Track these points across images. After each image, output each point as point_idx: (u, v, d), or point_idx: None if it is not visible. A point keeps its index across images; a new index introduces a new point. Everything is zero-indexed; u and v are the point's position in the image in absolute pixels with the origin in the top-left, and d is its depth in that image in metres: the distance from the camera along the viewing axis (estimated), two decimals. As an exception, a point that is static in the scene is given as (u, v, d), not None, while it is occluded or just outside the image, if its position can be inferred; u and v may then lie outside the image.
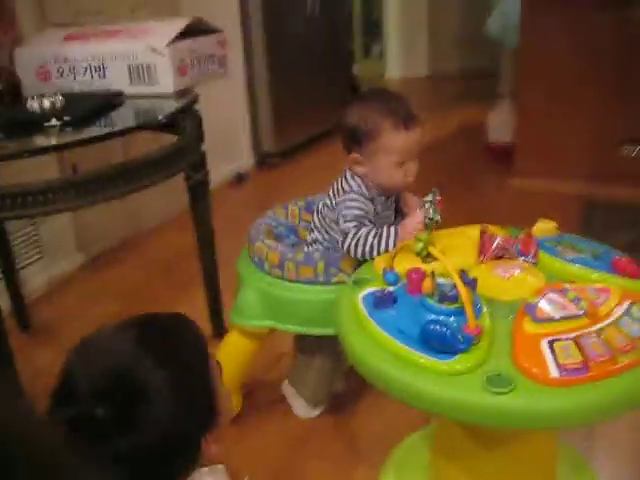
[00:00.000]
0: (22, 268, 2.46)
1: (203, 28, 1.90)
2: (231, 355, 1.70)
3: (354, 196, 1.51)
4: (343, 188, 1.53)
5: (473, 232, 1.37)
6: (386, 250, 1.42)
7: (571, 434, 1.58)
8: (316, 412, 1.79)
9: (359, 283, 1.30)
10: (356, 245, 1.46)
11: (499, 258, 1.30)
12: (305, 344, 1.74)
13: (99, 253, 2.82)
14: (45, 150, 1.49)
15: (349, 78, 4.87)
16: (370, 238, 1.45)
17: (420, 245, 1.15)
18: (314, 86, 4.15)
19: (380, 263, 1.35)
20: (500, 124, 3.74)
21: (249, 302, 1.62)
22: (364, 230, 1.46)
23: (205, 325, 2.12)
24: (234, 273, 1.70)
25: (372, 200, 1.53)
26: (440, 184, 3.31)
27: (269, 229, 1.70)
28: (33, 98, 1.61)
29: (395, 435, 1.64)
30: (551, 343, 1.03)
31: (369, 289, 1.24)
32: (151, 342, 0.90)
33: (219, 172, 3.52)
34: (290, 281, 1.55)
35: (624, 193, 3.12)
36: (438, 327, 1.03)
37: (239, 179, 3.61)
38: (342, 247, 1.49)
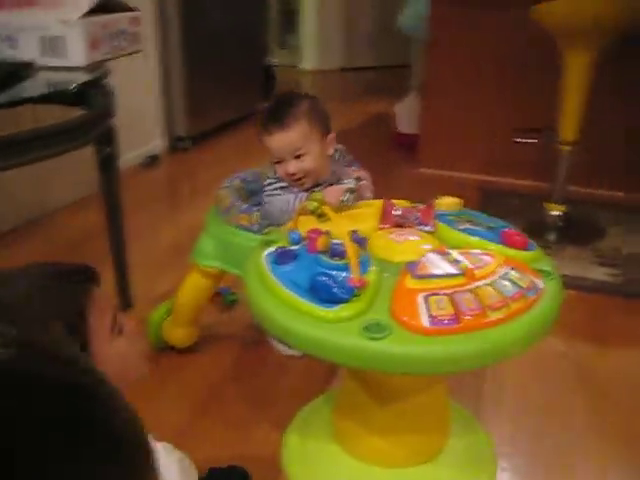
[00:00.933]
0: None
1: (117, 5, 1.94)
2: (188, 290, 1.89)
3: (271, 181, 1.70)
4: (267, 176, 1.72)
5: (378, 203, 1.48)
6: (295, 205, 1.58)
7: (460, 397, 1.72)
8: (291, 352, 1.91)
9: (268, 243, 1.38)
10: (270, 207, 1.64)
11: (399, 227, 1.41)
12: None
13: (4, 232, 2.81)
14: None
15: (264, 67, 4.93)
16: (279, 201, 1.63)
17: (314, 204, 1.24)
18: (229, 72, 4.21)
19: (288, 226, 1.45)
20: (407, 115, 3.88)
21: (205, 244, 1.79)
22: (278, 194, 1.64)
23: (113, 299, 2.17)
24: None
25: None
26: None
27: (241, 184, 1.85)
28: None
29: (301, 398, 1.72)
30: (427, 297, 1.13)
31: (274, 248, 1.32)
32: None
33: (131, 154, 3.54)
34: (233, 226, 1.70)
35: (516, 182, 3.32)
36: (325, 279, 1.13)
37: (151, 161, 3.64)
38: (268, 204, 1.66)
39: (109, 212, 2.03)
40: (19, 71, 1.77)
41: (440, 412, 1.47)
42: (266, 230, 1.62)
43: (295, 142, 1.61)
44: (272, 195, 1.67)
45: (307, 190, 1.66)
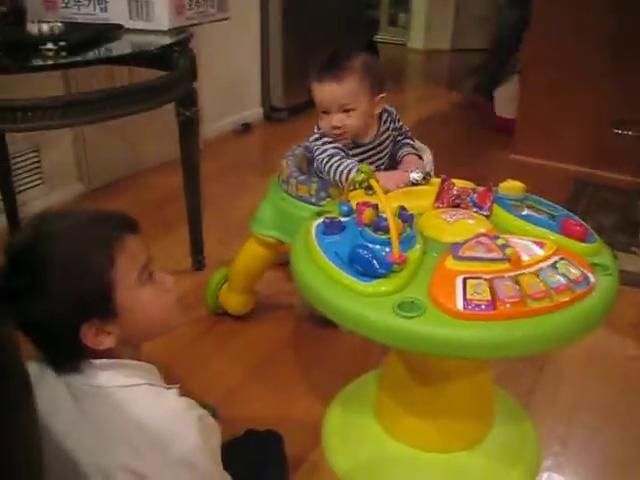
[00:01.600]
0: (22, 192, 2.58)
1: (206, -28, 1.98)
2: (246, 260, 1.90)
3: (317, 136, 1.69)
4: (313, 132, 1.70)
5: (436, 181, 1.46)
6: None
7: (512, 387, 1.69)
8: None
9: (320, 213, 1.39)
10: (328, 173, 1.62)
11: (455, 207, 1.39)
12: None
13: (97, 186, 2.93)
14: (34, 68, 1.59)
15: (370, 44, 4.89)
16: (338, 170, 1.60)
17: (362, 176, 1.23)
18: (330, 46, 4.19)
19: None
20: (506, 99, 3.79)
21: (264, 213, 1.80)
22: (339, 160, 1.62)
23: (186, 260, 2.24)
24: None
25: (334, 142, 1.66)
26: (447, 147, 3.37)
27: (304, 152, 1.84)
28: (33, 22, 1.71)
29: (350, 374, 1.73)
30: (465, 280, 1.12)
31: (324, 218, 1.33)
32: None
33: (226, 120, 3.61)
34: (292, 196, 1.70)
35: (614, 175, 3.19)
36: (364, 251, 1.12)
37: (244, 129, 3.70)
38: (324, 175, 1.64)
39: (187, 174, 2.08)
40: (108, 32, 1.83)
41: (483, 399, 1.45)
42: (323, 202, 1.62)
43: (344, 96, 1.61)
44: (322, 156, 1.65)
45: (349, 148, 1.67)
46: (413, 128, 3.72)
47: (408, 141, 1.78)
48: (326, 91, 1.62)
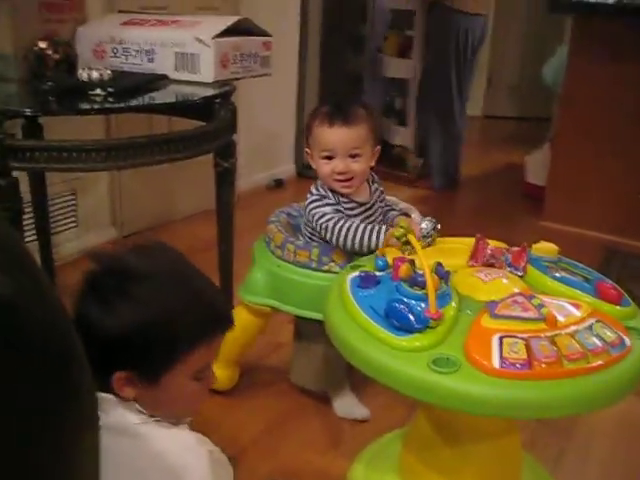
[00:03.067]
0: (56, 233, 2.62)
1: (252, 29, 2.03)
2: (234, 330, 1.79)
3: (316, 198, 1.66)
4: (308, 195, 1.69)
5: (470, 240, 1.47)
6: (376, 245, 1.53)
7: (539, 452, 1.66)
8: (358, 413, 1.83)
9: (355, 267, 1.40)
10: (345, 236, 1.58)
11: (490, 266, 1.39)
12: (303, 330, 1.83)
13: (131, 232, 2.97)
14: (84, 111, 1.63)
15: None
16: (359, 232, 1.56)
17: (401, 231, 1.24)
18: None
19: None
20: (537, 166, 3.81)
21: (256, 280, 1.75)
22: (351, 222, 1.59)
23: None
24: (249, 267, 1.82)
25: (337, 205, 1.65)
26: (475, 213, 3.38)
27: (287, 219, 1.83)
28: (84, 69, 1.76)
29: (376, 430, 1.72)
30: (501, 338, 1.11)
31: (359, 272, 1.33)
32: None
33: (258, 175, 3.66)
34: (288, 262, 1.66)
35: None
36: (400, 306, 1.13)
37: (276, 185, 3.74)
38: (328, 239, 1.61)
39: (221, 224, 2.10)
40: (153, 81, 1.88)
41: (511, 463, 1.42)
42: (325, 267, 1.62)
43: (355, 140, 1.61)
44: (326, 223, 1.61)
45: (351, 209, 1.66)
46: (441, 192, 3.74)
47: (390, 205, 1.79)
48: (337, 134, 1.61)
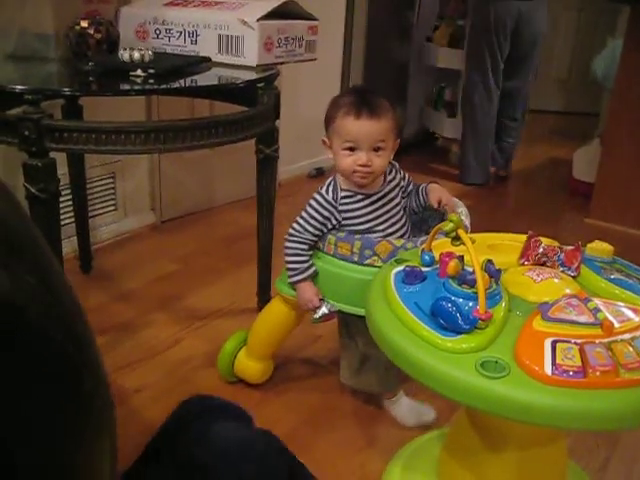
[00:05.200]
0: (95, 216, 2.60)
1: (297, 12, 1.98)
2: (269, 322, 1.78)
3: (316, 204, 1.61)
4: (316, 194, 1.64)
5: (522, 237, 1.40)
6: (292, 279, 1.62)
7: (583, 462, 1.59)
8: (426, 417, 1.75)
9: (400, 262, 1.34)
10: (285, 254, 1.63)
11: (541, 265, 1.32)
12: (348, 327, 1.77)
13: (170, 217, 2.95)
14: (124, 92, 1.59)
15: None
16: (293, 263, 1.62)
17: (450, 225, 1.18)
18: (407, 98, 4.21)
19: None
20: (585, 162, 3.71)
21: None
22: (297, 249, 1.61)
23: (252, 299, 2.20)
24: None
25: (333, 205, 1.60)
26: (519, 210, 3.31)
27: None
28: (125, 49, 1.73)
29: (414, 430, 1.67)
30: (555, 343, 1.05)
31: (404, 266, 1.27)
32: None
33: (300, 163, 3.61)
34: (328, 255, 1.60)
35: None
36: (447, 305, 1.07)
37: (317, 173, 3.69)
38: (287, 242, 1.63)
39: (261, 212, 2.06)
40: (196, 64, 1.84)
41: (556, 471, 1.35)
42: (368, 260, 1.56)
43: (381, 132, 1.54)
44: (298, 238, 1.61)
45: (356, 201, 1.61)
46: (488, 187, 3.67)
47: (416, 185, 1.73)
48: (363, 125, 1.53)
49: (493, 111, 3.86)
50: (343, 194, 1.60)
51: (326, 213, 1.59)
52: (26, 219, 0.49)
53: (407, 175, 1.71)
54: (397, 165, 1.69)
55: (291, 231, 1.61)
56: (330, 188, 1.61)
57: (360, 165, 1.55)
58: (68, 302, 0.49)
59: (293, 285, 1.63)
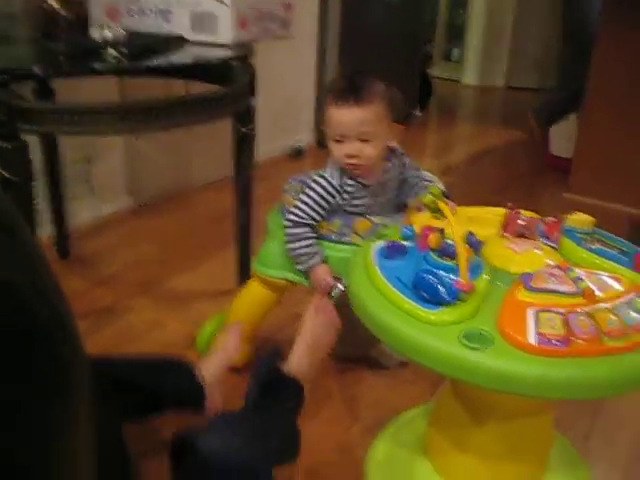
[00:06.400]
0: (71, 201, 2.56)
1: (271, -11, 1.95)
2: (248, 303, 1.76)
3: (317, 186, 1.56)
4: (316, 176, 1.59)
5: (502, 210, 1.39)
6: (305, 265, 1.56)
7: (567, 431, 1.59)
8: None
9: (379, 237, 1.33)
10: (289, 242, 1.56)
11: (522, 237, 1.32)
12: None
13: (147, 201, 2.92)
14: (96, 72, 1.56)
15: (423, 77, 4.87)
16: (303, 248, 1.55)
17: (430, 197, 1.17)
18: (385, 77, 4.17)
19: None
20: (562, 138, 3.72)
21: (271, 253, 1.66)
22: (304, 233, 1.54)
23: (231, 280, 2.18)
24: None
25: (338, 191, 1.56)
26: (498, 187, 3.31)
27: (302, 187, 1.73)
28: (97, 28, 1.69)
29: (399, 406, 1.66)
30: (537, 312, 1.04)
31: (385, 241, 1.26)
32: None
33: (277, 143, 3.58)
34: None
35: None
36: (429, 277, 1.06)
37: (295, 154, 3.67)
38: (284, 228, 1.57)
39: (239, 192, 2.04)
40: (169, 43, 1.81)
41: (543, 442, 1.36)
42: (346, 238, 1.54)
43: (365, 122, 1.46)
44: (298, 224, 1.56)
45: (353, 193, 1.57)
46: (465, 164, 3.67)
47: (419, 176, 1.66)
48: (346, 115, 1.46)
49: None
50: (348, 182, 1.56)
51: (331, 199, 1.55)
52: (4, 197, 0.48)
53: (409, 161, 1.65)
54: (398, 150, 1.63)
55: (293, 217, 1.54)
56: (336, 174, 1.55)
57: (347, 156, 1.50)
58: (49, 277, 0.48)
59: (305, 271, 1.58)
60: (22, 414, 0.43)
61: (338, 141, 1.51)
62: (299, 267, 1.58)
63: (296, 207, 1.55)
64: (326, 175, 1.56)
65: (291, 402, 1.25)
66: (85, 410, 0.50)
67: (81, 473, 0.51)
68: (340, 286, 1.52)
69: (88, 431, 0.51)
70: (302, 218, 1.54)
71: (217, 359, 1.51)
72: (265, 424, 1.22)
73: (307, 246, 1.54)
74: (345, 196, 1.57)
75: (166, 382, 1.39)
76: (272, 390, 1.25)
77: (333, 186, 1.55)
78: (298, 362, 1.30)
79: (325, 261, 1.57)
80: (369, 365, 1.85)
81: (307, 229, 1.54)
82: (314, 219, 1.55)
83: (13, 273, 0.42)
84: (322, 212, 1.55)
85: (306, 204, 1.54)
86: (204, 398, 1.41)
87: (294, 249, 1.56)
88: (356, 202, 1.58)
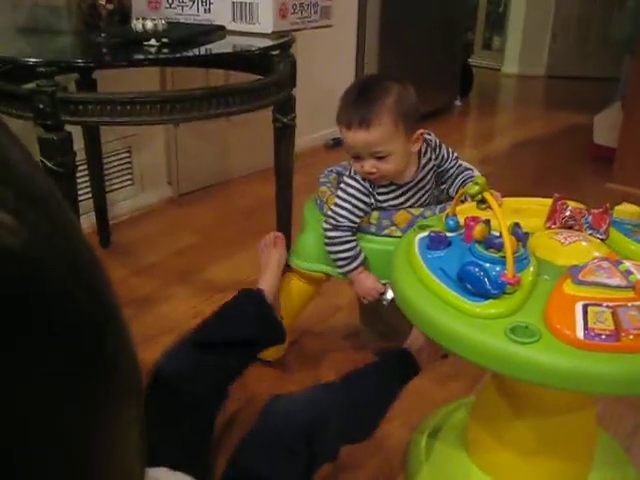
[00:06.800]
0: (112, 191, 2.58)
1: (312, -22, 1.94)
2: (285, 296, 1.74)
3: (351, 189, 1.55)
4: (346, 178, 1.58)
5: (547, 201, 1.37)
6: (345, 269, 1.56)
7: (612, 429, 1.57)
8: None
9: (423, 227, 1.31)
10: (329, 244, 1.56)
11: (568, 228, 1.29)
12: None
13: (187, 191, 2.93)
14: (137, 62, 1.57)
15: (463, 65, 4.82)
16: (343, 252, 1.54)
17: (476, 188, 1.14)
18: (425, 64, 4.14)
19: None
20: (606, 127, 3.65)
21: (308, 245, 1.66)
22: (344, 237, 1.53)
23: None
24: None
25: (370, 192, 1.55)
26: (539, 177, 3.26)
27: (338, 178, 1.72)
28: (138, 19, 1.70)
29: (439, 400, 1.65)
30: (586, 307, 1.02)
31: (429, 232, 1.25)
32: None
33: (317, 134, 3.58)
34: None
35: None
36: (475, 269, 1.04)
37: (335, 144, 3.65)
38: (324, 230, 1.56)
39: (279, 182, 2.04)
40: (210, 32, 1.81)
41: (586, 439, 1.33)
42: (386, 230, 1.53)
43: (376, 143, 1.44)
44: (338, 227, 1.54)
45: (388, 192, 1.55)
46: (505, 153, 3.62)
47: (461, 167, 1.62)
48: (354, 138, 1.45)
49: None
50: (379, 186, 1.55)
51: (366, 199, 1.54)
52: (39, 168, 0.44)
53: (447, 152, 1.62)
54: (433, 140, 1.59)
55: (332, 221, 1.54)
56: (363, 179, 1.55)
57: (365, 173, 1.50)
58: (88, 257, 0.44)
59: (347, 275, 1.57)
60: (67, 411, 0.39)
61: (355, 157, 1.50)
62: (339, 270, 1.57)
63: (334, 211, 1.54)
64: (357, 177, 1.55)
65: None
66: (135, 411, 0.47)
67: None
68: (390, 292, 1.51)
69: (137, 436, 0.49)
70: (340, 222, 1.53)
71: (271, 276, 1.62)
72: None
73: (347, 250, 1.54)
74: (379, 197, 1.55)
75: (253, 326, 1.47)
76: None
77: (365, 187, 1.54)
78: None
79: (365, 263, 1.56)
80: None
81: (347, 233, 1.54)
82: (353, 222, 1.54)
83: (43, 250, 0.38)
84: (360, 213, 1.54)
85: (343, 208, 1.53)
86: (284, 332, 1.53)
87: (334, 252, 1.55)
88: (392, 202, 1.57)
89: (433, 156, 1.59)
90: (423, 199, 1.60)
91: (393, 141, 1.46)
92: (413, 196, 1.58)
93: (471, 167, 1.64)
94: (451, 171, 1.62)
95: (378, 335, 1.79)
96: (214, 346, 1.36)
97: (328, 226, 1.55)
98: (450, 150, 1.63)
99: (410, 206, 1.58)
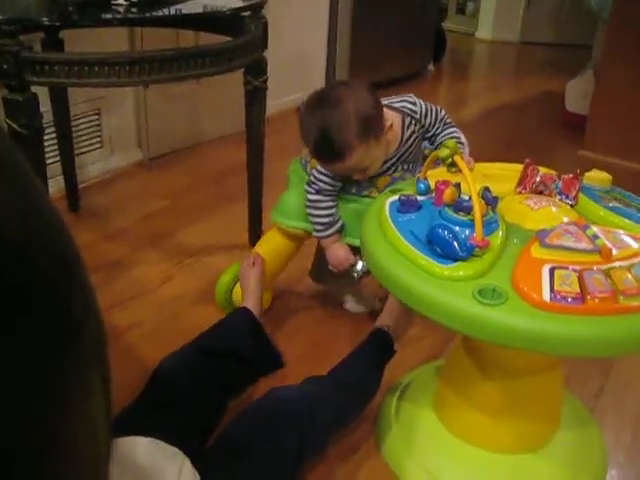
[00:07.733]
0: (80, 154, 2.55)
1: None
2: (267, 253, 1.76)
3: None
4: None
5: (518, 166, 1.37)
6: (321, 234, 1.60)
7: (577, 390, 1.59)
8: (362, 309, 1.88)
9: (394, 191, 1.32)
10: (309, 207, 1.59)
11: (538, 193, 1.30)
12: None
13: (157, 154, 2.89)
14: (105, 22, 1.54)
15: (437, 31, 4.79)
16: (322, 217, 1.58)
17: (446, 152, 1.14)
18: (399, 29, 4.12)
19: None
20: (578, 94, 3.66)
21: (290, 203, 1.68)
22: (324, 202, 1.56)
23: (243, 235, 2.18)
24: (279, 191, 1.74)
25: None
26: (511, 143, 3.26)
27: None
28: (106, -23, 1.66)
29: (409, 361, 1.67)
30: (552, 270, 1.03)
31: (399, 195, 1.25)
32: None
33: (289, 97, 3.54)
34: None
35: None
36: (444, 232, 1.04)
37: (306, 108, 3.63)
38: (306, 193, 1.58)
39: (251, 146, 2.02)
40: (180, -8, 1.78)
41: (552, 400, 1.36)
42: (365, 192, 1.54)
43: (355, 165, 1.45)
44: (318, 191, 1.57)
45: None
46: (478, 119, 3.61)
47: (444, 132, 1.63)
48: (334, 168, 1.49)
49: None
50: None
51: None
52: (3, 134, 0.43)
53: (432, 118, 1.60)
54: (418, 110, 1.56)
55: (315, 186, 1.56)
56: None
57: (354, 180, 1.54)
58: (51, 220, 0.43)
59: (321, 241, 1.61)
60: (23, 370, 0.39)
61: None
62: (315, 234, 1.60)
63: (315, 176, 1.55)
64: None
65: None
66: (99, 376, 0.47)
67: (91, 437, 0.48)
68: (361, 264, 1.55)
69: (103, 402, 0.48)
70: (322, 187, 1.55)
71: (253, 298, 1.63)
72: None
73: (326, 216, 1.56)
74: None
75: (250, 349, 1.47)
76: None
77: None
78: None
79: (341, 232, 1.59)
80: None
81: (328, 198, 1.56)
82: (334, 186, 1.55)
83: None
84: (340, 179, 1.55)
85: (325, 174, 1.54)
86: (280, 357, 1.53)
87: (313, 215, 1.58)
88: (378, 171, 1.57)
89: (417, 127, 1.58)
90: (405, 167, 1.60)
91: (369, 153, 1.45)
92: (397, 163, 1.58)
93: (459, 134, 1.64)
94: (438, 137, 1.62)
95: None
96: (210, 350, 1.38)
97: (311, 190, 1.56)
98: (438, 115, 1.61)
99: (394, 171, 1.58)
